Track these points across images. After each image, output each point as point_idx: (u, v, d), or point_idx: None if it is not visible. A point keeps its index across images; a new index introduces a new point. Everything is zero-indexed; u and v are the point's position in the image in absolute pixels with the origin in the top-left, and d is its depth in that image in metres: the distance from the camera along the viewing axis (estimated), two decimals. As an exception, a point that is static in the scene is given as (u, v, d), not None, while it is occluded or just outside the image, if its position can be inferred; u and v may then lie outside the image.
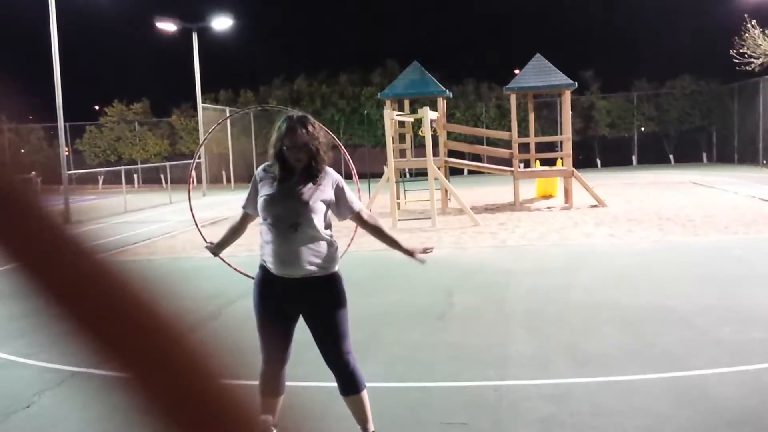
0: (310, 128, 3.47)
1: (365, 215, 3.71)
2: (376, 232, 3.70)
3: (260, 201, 3.51)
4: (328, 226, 3.55)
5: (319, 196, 3.48)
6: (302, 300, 3.49)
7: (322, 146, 3.52)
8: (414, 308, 6.96)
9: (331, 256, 3.51)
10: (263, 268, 3.54)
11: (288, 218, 3.41)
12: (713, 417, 4.02)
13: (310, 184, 3.48)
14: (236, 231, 3.86)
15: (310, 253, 3.42)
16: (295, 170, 3.49)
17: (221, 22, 28.71)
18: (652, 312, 6.34)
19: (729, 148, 31.93)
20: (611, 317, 6.25)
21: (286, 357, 3.60)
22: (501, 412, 4.22)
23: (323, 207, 3.49)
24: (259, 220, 3.62)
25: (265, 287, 3.53)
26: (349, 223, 3.81)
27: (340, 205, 3.61)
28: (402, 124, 16.80)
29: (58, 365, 5.45)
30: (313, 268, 3.43)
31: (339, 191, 3.59)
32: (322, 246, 3.47)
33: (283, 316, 3.54)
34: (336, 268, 3.54)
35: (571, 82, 16.10)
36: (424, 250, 3.69)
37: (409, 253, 3.67)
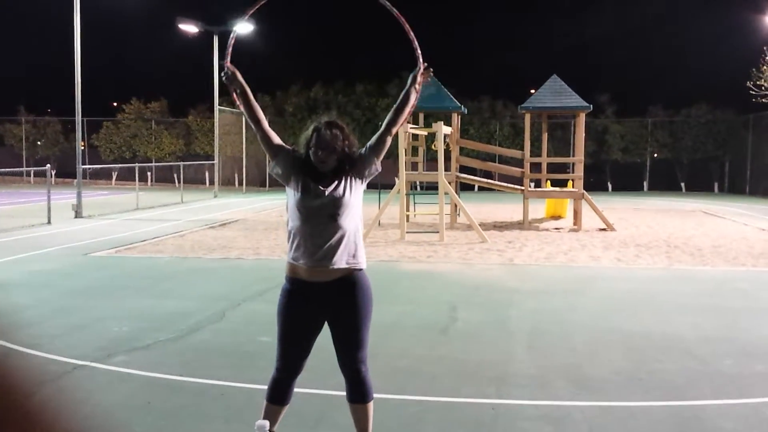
0: (335, 131, 3.45)
1: (375, 137, 3.61)
2: (392, 116, 3.57)
3: (294, 197, 3.46)
4: (357, 223, 3.54)
5: (352, 185, 3.48)
6: (330, 303, 3.47)
7: (351, 147, 3.50)
8: (417, 321, 6.97)
9: (360, 252, 3.53)
10: (290, 280, 3.52)
11: (322, 211, 3.41)
12: (710, 448, 4.00)
13: (341, 178, 3.47)
14: (256, 110, 3.62)
15: (342, 248, 3.43)
16: (323, 172, 3.46)
17: (242, 27, 28.87)
18: (655, 339, 6.33)
19: (741, 179, 31.79)
20: (614, 342, 6.24)
21: (301, 367, 3.60)
22: (497, 431, 4.21)
23: (358, 200, 3.51)
24: (286, 222, 3.60)
25: (293, 297, 3.51)
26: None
27: (367, 159, 3.54)
28: (415, 137, 16.85)
29: (61, 357, 5.49)
30: (344, 260, 3.44)
31: (360, 157, 3.54)
32: (353, 242, 3.48)
33: (307, 327, 3.53)
34: (365, 266, 3.55)
35: (586, 104, 16.11)
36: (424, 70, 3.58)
37: (415, 80, 3.59)
